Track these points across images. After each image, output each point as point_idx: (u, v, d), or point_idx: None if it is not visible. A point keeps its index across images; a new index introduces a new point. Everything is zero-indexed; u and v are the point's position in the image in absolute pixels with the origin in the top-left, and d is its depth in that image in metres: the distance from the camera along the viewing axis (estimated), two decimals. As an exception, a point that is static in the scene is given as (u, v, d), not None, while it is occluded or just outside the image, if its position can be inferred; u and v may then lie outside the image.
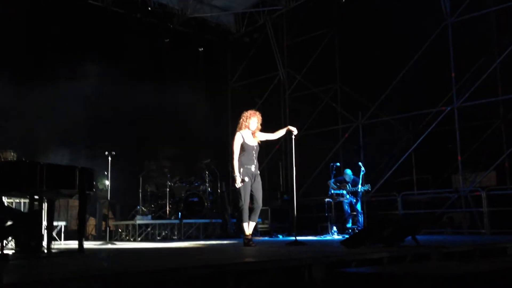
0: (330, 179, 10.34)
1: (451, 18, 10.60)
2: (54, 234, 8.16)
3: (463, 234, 9.92)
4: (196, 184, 11.62)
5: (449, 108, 10.68)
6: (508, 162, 10.73)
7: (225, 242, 9.02)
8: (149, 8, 12.93)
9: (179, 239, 10.47)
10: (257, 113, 6.98)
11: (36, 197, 5.60)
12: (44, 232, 5.92)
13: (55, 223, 8.35)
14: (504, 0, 10.26)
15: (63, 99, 10.84)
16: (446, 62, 10.68)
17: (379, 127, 12.36)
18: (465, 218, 10.31)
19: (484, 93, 10.45)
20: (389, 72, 11.55)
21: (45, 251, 5.66)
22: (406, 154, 11.39)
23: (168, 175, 11.43)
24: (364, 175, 10.13)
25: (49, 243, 5.82)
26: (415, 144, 11.31)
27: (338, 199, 10.28)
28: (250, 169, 6.73)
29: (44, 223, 6.07)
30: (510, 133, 10.89)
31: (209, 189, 11.70)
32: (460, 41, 10.77)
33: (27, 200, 6.22)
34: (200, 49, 14.55)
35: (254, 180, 6.78)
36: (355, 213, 10.09)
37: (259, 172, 6.90)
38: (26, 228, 5.39)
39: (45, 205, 5.94)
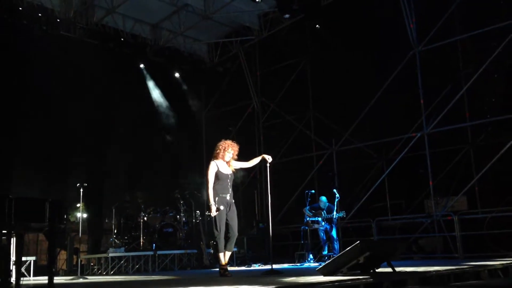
0: (306, 206, 10.35)
1: (418, 47, 10.93)
2: (23, 269, 7.89)
3: (436, 259, 9.99)
4: (171, 214, 11.46)
5: (419, 134, 10.89)
6: (478, 187, 10.95)
7: (200, 272, 8.87)
8: (122, 39, 12.95)
9: (153, 271, 10.25)
10: (235, 145, 6.95)
11: (4, 231, 5.42)
12: (13, 268, 5.71)
13: (24, 258, 8.09)
14: (468, 29, 10.65)
15: (36, 131, 10.69)
16: (415, 90, 10.94)
17: (353, 154, 12.51)
18: (438, 243, 10.41)
19: (453, 119, 10.73)
20: (361, 99, 11.77)
21: (14, 287, 5.45)
22: (380, 180, 11.52)
23: (142, 206, 11.25)
24: (339, 201, 10.17)
25: (17, 279, 5.60)
26: (388, 170, 11.46)
27: (313, 226, 10.28)
28: (225, 197, 6.69)
29: (13, 258, 5.86)
30: (479, 158, 11.15)
31: (183, 219, 11.55)
32: (428, 69, 11.09)
33: (-6, 235, 6.01)
34: (176, 74, 14.64)
35: (229, 208, 6.73)
36: (330, 240, 10.09)
37: (233, 200, 6.86)
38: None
39: (13, 240, 5.75)
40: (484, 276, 5.97)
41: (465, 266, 6.41)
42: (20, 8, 11.08)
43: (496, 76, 11.31)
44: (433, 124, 10.65)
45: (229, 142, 6.93)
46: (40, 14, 11.33)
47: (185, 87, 14.95)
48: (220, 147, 6.87)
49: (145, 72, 13.90)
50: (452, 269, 5.90)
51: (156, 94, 14.06)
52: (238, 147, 6.94)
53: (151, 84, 14.02)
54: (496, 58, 9.98)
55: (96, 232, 11.64)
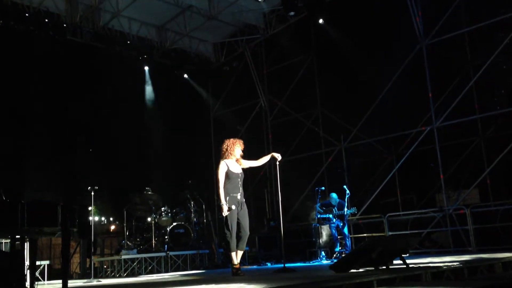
0: (316, 203, 10.33)
1: (425, 40, 10.85)
2: (37, 274, 7.95)
3: (450, 253, 9.93)
4: (182, 215, 11.49)
5: (428, 128, 10.82)
6: (490, 179, 10.87)
7: (213, 272, 8.89)
8: (128, 42, 13.00)
9: (166, 272, 10.28)
10: (239, 140, 6.99)
11: (17, 236, 5.46)
12: (27, 272, 5.76)
13: (38, 263, 8.15)
14: (474, 21, 10.56)
15: (46, 134, 10.78)
16: (423, 83, 10.88)
17: (362, 149, 12.47)
18: (451, 236, 10.34)
19: (462, 112, 10.65)
20: (369, 95, 11.73)
21: (28, 292, 5.50)
22: (390, 176, 11.47)
23: (153, 207, 11.29)
24: (350, 198, 10.14)
25: (32, 283, 5.66)
26: (398, 165, 11.41)
27: (325, 223, 10.25)
28: (236, 197, 6.68)
29: (27, 262, 5.91)
30: (490, 150, 11.07)
31: (194, 220, 11.58)
32: (435, 62, 11.01)
33: (8, 240, 6.07)
34: (184, 75, 14.71)
35: (241, 208, 6.72)
36: (342, 236, 10.06)
37: (244, 199, 6.86)
38: (8, 269, 5.24)
39: (27, 244, 5.80)
40: (498, 269, 5.93)
41: (478, 259, 6.36)
42: (27, 14, 11.16)
43: (505, 68, 11.21)
44: (443, 118, 10.58)
45: (233, 139, 6.96)
46: (46, 20, 11.41)
47: (192, 87, 14.99)
48: (226, 145, 6.88)
49: (149, 74, 13.97)
50: (465, 262, 5.86)
51: (155, 95, 14.13)
52: (242, 142, 6.96)
53: (155, 85, 14.12)
54: (504, 49, 9.90)
55: (109, 235, 11.71)
